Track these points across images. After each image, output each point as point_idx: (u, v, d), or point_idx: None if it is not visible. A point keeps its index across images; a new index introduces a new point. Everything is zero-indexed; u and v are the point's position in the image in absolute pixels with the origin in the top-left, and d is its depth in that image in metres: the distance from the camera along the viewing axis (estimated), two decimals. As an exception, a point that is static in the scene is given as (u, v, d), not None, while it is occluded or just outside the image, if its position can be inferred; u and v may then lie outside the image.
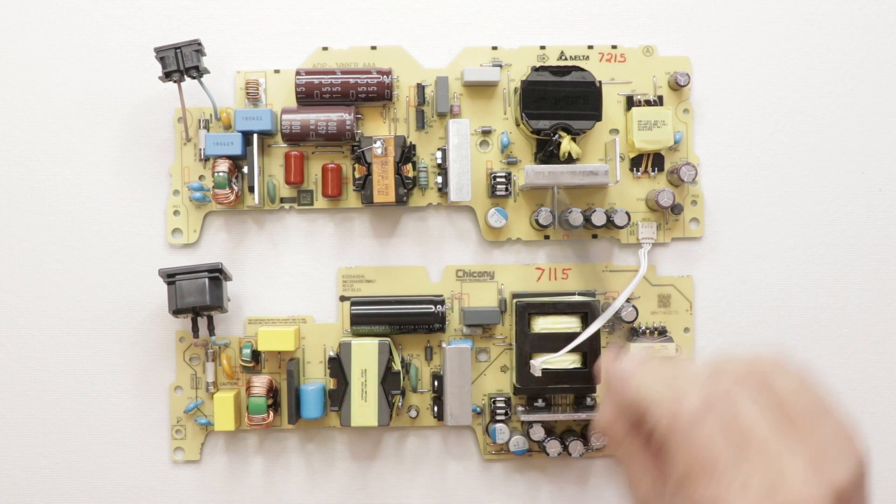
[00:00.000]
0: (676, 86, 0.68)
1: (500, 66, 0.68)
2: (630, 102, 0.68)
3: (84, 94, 0.69)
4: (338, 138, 0.66)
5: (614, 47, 0.69)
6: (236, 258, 0.69)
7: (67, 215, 0.69)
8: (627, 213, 0.66)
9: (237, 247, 0.69)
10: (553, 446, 0.66)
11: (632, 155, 0.68)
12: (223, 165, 0.65)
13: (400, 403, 0.67)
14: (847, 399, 0.70)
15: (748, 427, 0.38)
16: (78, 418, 0.69)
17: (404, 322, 0.66)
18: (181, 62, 0.64)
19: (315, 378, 0.68)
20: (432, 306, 0.66)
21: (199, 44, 0.65)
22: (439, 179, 0.67)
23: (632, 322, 0.67)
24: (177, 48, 0.64)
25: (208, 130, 0.68)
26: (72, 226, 0.69)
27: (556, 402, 0.68)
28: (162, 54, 0.64)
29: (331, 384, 0.66)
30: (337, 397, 0.65)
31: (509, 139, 0.68)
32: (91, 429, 0.69)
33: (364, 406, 0.65)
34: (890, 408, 0.70)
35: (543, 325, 0.66)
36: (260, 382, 0.65)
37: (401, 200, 0.65)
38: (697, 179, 0.69)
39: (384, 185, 0.65)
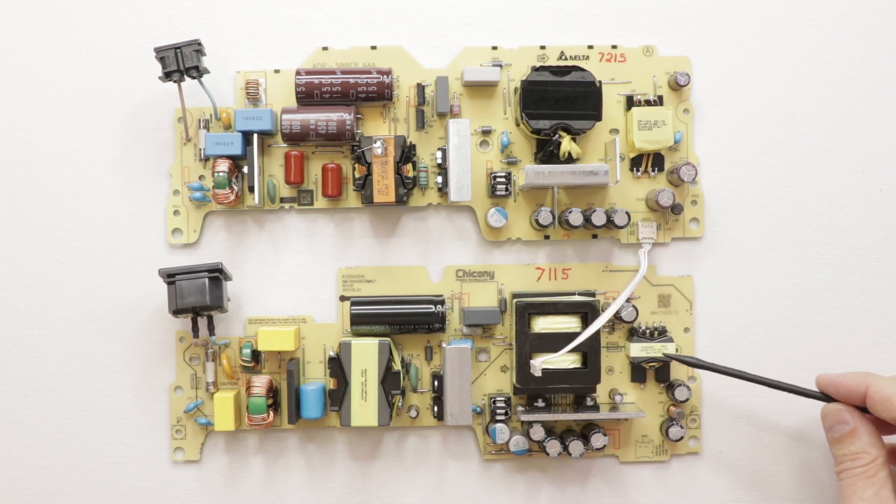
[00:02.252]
0: (676, 86, 0.68)
1: (500, 66, 0.68)
2: (630, 102, 0.68)
3: (84, 94, 0.69)
4: (338, 138, 0.66)
5: (614, 47, 0.69)
6: (236, 258, 0.69)
7: (67, 215, 0.69)
8: (627, 213, 0.66)
9: (237, 247, 0.69)
10: (553, 446, 0.66)
11: (632, 155, 0.68)
12: (223, 165, 0.65)
13: (400, 403, 0.67)
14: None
15: None
16: (78, 418, 0.69)
17: (404, 322, 0.66)
18: (181, 62, 0.64)
19: (315, 378, 0.68)
20: (432, 306, 0.66)
21: (199, 44, 0.65)
22: (439, 179, 0.67)
23: (632, 322, 0.67)
24: (177, 48, 0.64)
25: (208, 130, 0.68)
26: (72, 226, 0.69)
27: (556, 402, 0.68)
28: (162, 54, 0.64)
29: (331, 384, 0.66)
30: (337, 397, 0.65)
31: (509, 139, 0.68)
32: (91, 429, 0.69)
33: (364, 406, 0.65)
34: (890, 408, 0.70)
35: (543, 325, 0.66)
36: (260, 382, 0.66)
37: (401, 200, 0.65)
38: (697, 179, 0.69)
39: (384, 185, 0.65)
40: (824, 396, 0.63)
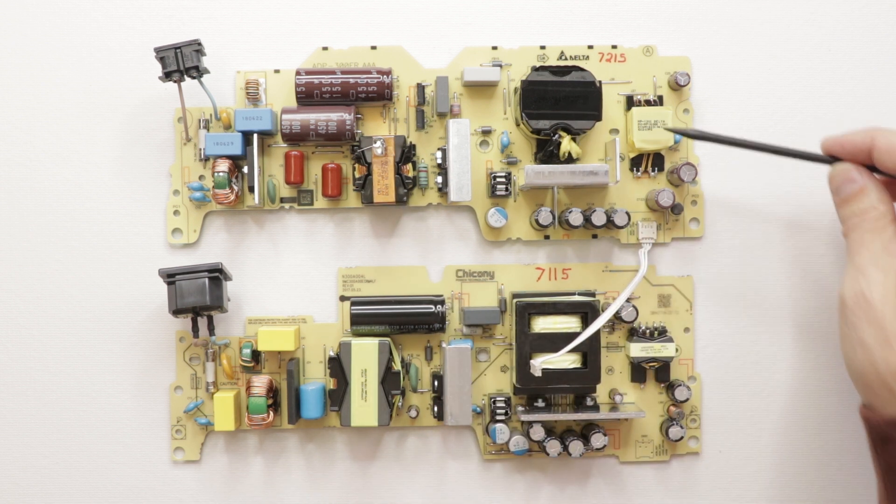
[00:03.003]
0: (676, 86, 0.68)
1: (500, 66, 0.68)
2: (630, 102, 0.68)
3: (84, 94, 0.69)
4: (338, 138, 0.66)
5: (614, 47, 0.69)
6: (236, 258, 0.69)
7: (67, 215, 0.69)
8: (627, 213, 0.66)
9: (237, 247, 0.69)
10: (553, 446, 0.66)
11: (632, 155, 0.68)
12: (223, 165, 0.65)
13: (400, 403, 0.67)
14: (847, 400, 0.70)
15: None
16: (78, 418, 0.69)
17: (404, 322, 0.66)
18: (181, 62, 0.64)
19: (315, 378, 0.68)
20: (432, 306, 0.66)
21: (199, 44, 0.65)
22: (439, 179, 0.67)
23: (632, 322, 0.67)
24: (177, 48, 0.64)
25: (208, 130, 0.68)
26: (72, 226, 0.69)
27: (556, 402, 0.68)
28: (162, 54, 0.64)
29: (331, 384, 0.66)
30: (337, 397, 0.65)
31: (509, 139, 0.68)
32: (91, 429, 0.69)
33: (364, 406, 0.65)
34: (890, 408, 0.70)
35: (543, 325, 0.66)
36: (260, 382, 0.66)
37: (401, 200, 0.65)
38: (697, 179, 0.69)
39: (384, 185, 0.65)
40: (830, 159, 0.60)
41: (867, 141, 0.59)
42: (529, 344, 0.66)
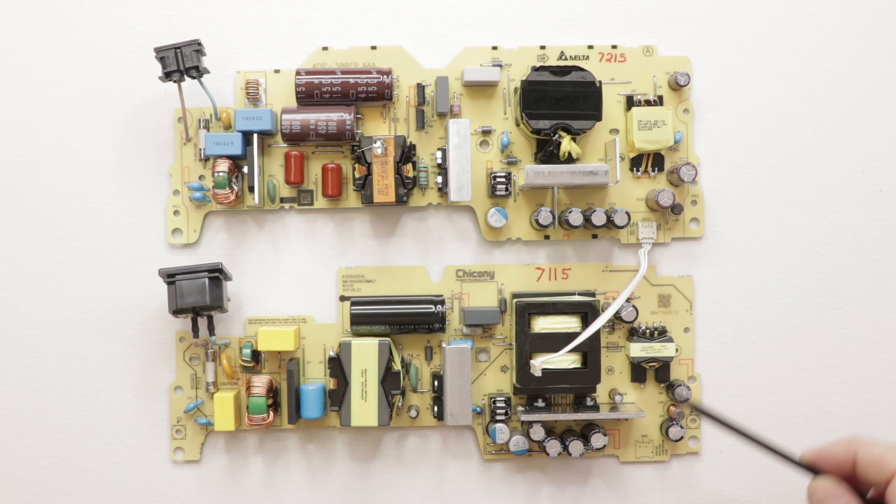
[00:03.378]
0: (676, 86, 0.68)
1: (500, 66, 0.68)
2: (630, 102, 0.68)
3: (84, 94, 0.69)
4: (338, 138, 0.66)
5: (614, 47, 0.69)
6: (236, 258, 0.69)
7: (67, 215, 0.69)
8: (627, 213, 0.66)
9: (237, 247, 0.69)
10: (553, 446, 0.66)
11: (632, 155, 0.68)
12: (223, 165, 0.65)
13: (400, 403, 0.67)
14: (847, 400, 0.70)
15: None
16: (78, 418, 0.69)
17: (404, 322, 0.66)
18: (181, 62, 0.64)
19: (315, 378, 0.68)
20: (432, 306, 0.66)
21: (199, 44, 0.65)
22: (439, 179, 0.67)
23: (632, 322, 0.67)
24: (177, 48, 0.64)
25: (208, 130, 0.68)
26: (72, 226, 0.69)
27: (556, 402, 0.68)
28: (162, 54, 0.64)
29: (331, 384, 0.66)
30: (337, 397, 0.65)
31: (509, 139, 0.68)
32: (91, 429, 0.69)
33: (364, 406, 0.65)
34: (890, 408, 0.70)
35: (543, 325, 0.66)
36: (260, 382, 0.66)
37: (401, 200, 0.65)
38: (697, 179, 0.69)
39: (384, 185, 0.65)
40: (812, 470, 0.55)
41: (850, 454, 0.54)
42: (529, 344, 0.66)
